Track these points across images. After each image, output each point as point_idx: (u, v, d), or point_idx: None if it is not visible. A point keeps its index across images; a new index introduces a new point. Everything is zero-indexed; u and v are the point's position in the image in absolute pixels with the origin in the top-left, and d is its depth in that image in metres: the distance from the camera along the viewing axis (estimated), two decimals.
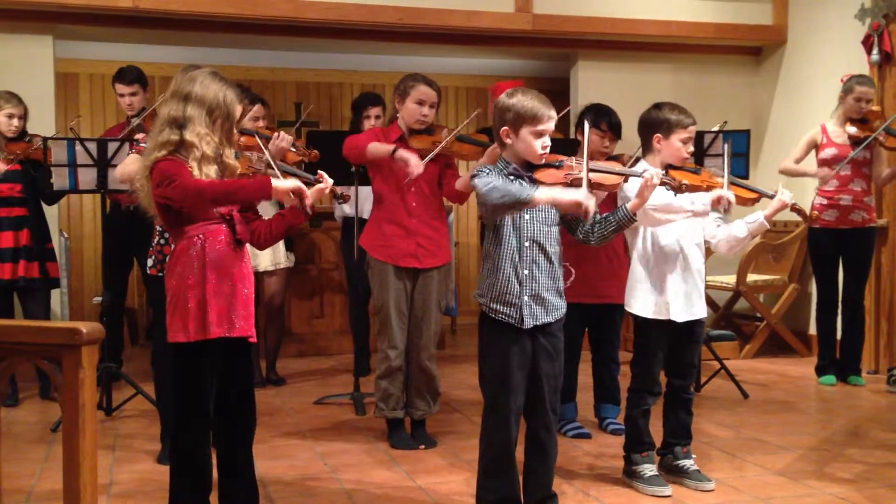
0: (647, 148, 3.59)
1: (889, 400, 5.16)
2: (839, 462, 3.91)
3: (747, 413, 4.83)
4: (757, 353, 6.45)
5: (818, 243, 5.54)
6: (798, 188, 5.43)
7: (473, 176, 2.98)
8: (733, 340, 6.41)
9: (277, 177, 3.12)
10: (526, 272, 3.01)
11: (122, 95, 5.36)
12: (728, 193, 3.36)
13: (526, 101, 2.98)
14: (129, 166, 3.69)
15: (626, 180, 3.32)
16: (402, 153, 3.99)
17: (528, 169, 3.04)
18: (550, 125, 3.00)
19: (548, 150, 3.01)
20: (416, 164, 3.96)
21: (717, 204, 3.38)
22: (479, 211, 3.06)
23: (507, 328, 3.01)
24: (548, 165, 3.04)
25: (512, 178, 3.00)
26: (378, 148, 4.05)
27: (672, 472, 3.62)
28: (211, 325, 2.84)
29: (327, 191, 3.04)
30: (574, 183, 3.01)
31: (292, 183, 2.90)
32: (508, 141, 3.02)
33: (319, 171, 3.09)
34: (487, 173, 2.96)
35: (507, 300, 3.01)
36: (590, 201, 2.89)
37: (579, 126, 4.39)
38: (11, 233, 5.04)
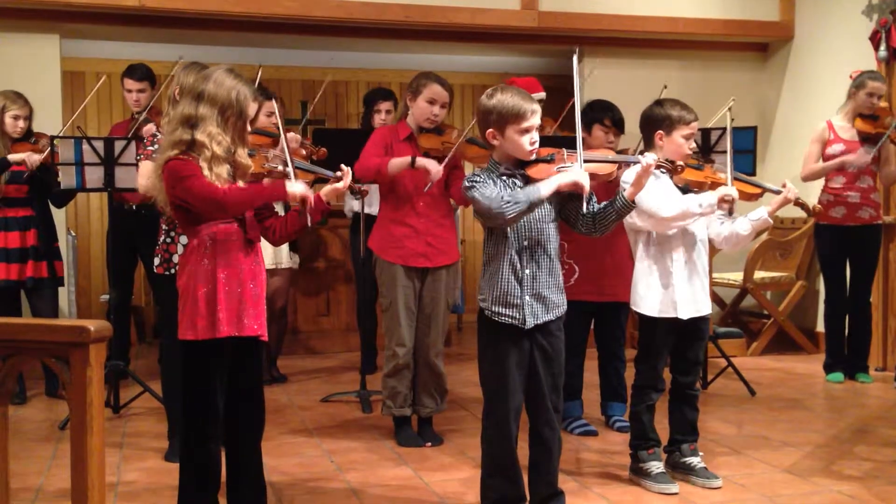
0: (648, 144, 3.59)
1: None
2: (847, 459, 3.90)
3: (754, 410, 4.82)
4: (764, 351, 6.43)
5: (825, 241, 5.52)
6: (805, 185, 5.41)
7: (469, 188, 2.93)
8: (740, 338, 6.39)
9: (290, 176, 3.08)
10: (527, 272, 2.99)
11: (129, 91, 5.35)
12: (731, 190, 3.36)
13: (506, 99, 2.95)
14: (148, 179, 3.62)
15: (621, 168, 3.29)
16: (422, 161, 4.00)
17: (519, 167, 3.02)
18: (535, 120, 2.96)
19: (536, 145, 2.99)
20: (436, 171, 3.98)
21: (721, 202, 3.38)
22: (478, 217, 3.02)
23: (505, 329, 3.00)
24: (539, 161, 3.02)
25: (505, 178, 2.99)
26: (397, 163, 4.03)
27: (679, 470, 3.61)
28: (221, 324, 2.84)
29: (346, 188, 3.01)
30: None
31: (300, 188, 2.90)
32: (496, 142, 2.99)
33: (342, 165, 3.03)
34: (481, 181, 2.94)
35: (508, 301, 2.99)
36: (584, 177, 2.88)
37: (584, 121, 4.38)
38: (18, 233, 5.04)
